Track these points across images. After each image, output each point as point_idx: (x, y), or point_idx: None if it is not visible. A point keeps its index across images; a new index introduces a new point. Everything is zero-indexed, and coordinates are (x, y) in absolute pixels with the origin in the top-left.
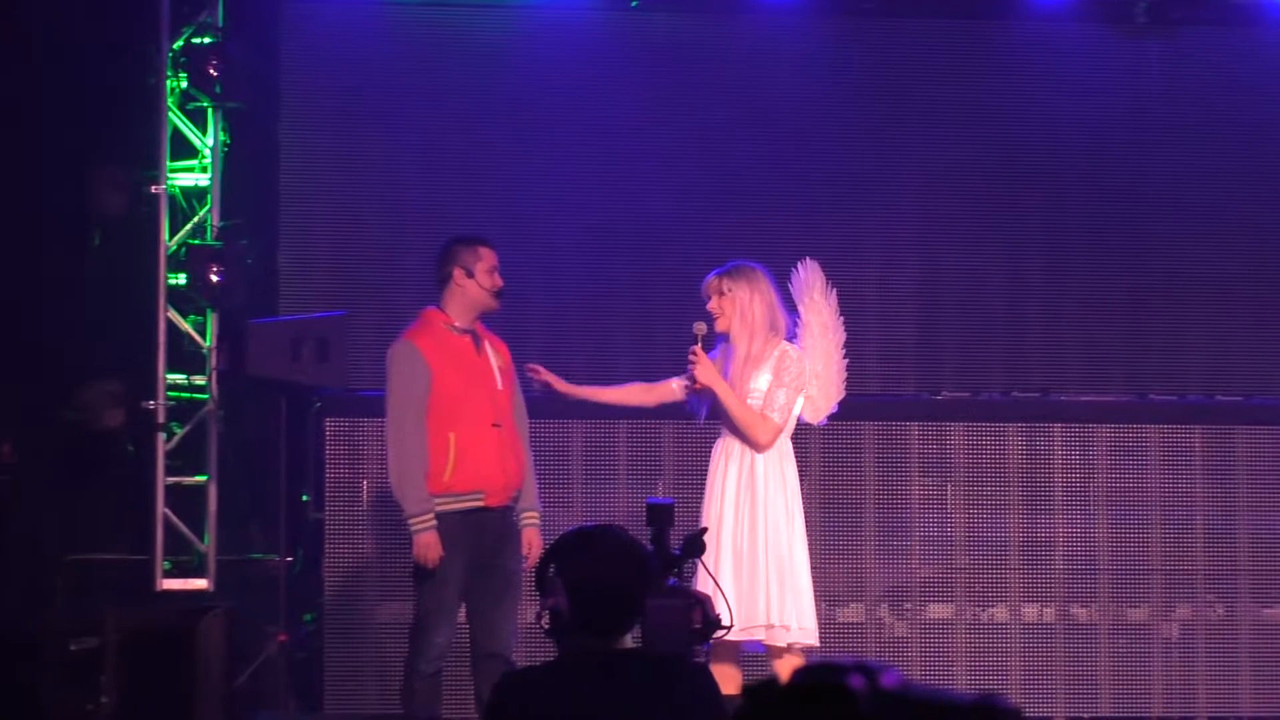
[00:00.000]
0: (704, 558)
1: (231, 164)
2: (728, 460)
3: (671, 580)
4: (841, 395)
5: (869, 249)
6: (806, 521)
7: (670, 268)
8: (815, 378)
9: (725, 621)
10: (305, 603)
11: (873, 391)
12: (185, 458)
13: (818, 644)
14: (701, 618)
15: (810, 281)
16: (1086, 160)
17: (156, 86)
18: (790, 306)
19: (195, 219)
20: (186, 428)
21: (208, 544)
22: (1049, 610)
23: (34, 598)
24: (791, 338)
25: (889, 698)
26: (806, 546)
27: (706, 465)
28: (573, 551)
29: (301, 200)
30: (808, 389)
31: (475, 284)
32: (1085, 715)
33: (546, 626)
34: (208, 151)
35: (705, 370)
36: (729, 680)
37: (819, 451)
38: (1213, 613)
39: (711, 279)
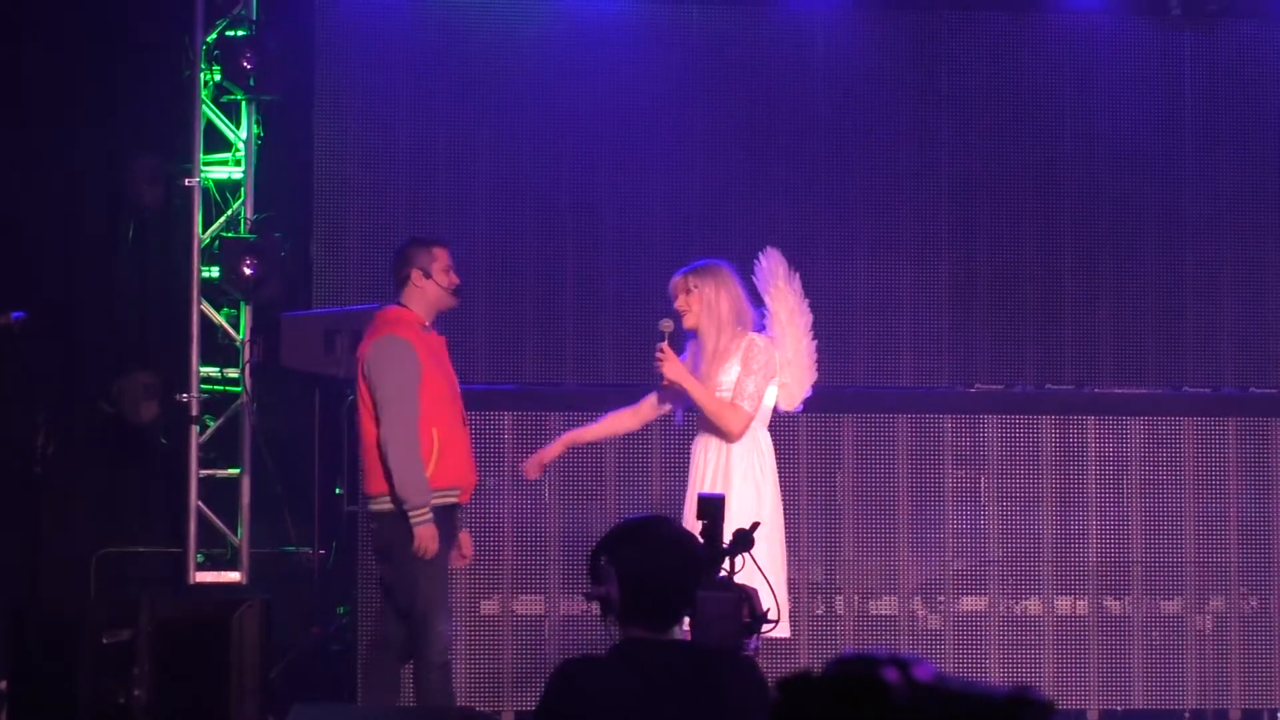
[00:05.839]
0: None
1: (265, 157)
2: (705, 454)
3: (721, 574)
4: (814, 378)
5: (903, 242)
6: (841, 515)
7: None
8: (786, 365)
9: (773, 616)
10: (338, 595)
11: (906, 384)
12: (219, 450)
13: (786, 636)
14: (749, 612)
15: (773, 269)
16: (1120, 153)
17: (190, 79)
18: (757, 300)
19: (229, 212)
20: (220, 420)
21: (241, 537)
22: (1082, 603)
23: (67, 590)
24: (760, 329)
25: (923, 690)
26: (780, 540)
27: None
28: (624, 541)
29: (335, 193)
30: (780, 376)
31: (434, 284)
32: (1119, 708)
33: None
34: (241, 144)
35: (672, 366)
36: None
37: (852, 444)
38: (1246, 605)
39: (678, 278)
